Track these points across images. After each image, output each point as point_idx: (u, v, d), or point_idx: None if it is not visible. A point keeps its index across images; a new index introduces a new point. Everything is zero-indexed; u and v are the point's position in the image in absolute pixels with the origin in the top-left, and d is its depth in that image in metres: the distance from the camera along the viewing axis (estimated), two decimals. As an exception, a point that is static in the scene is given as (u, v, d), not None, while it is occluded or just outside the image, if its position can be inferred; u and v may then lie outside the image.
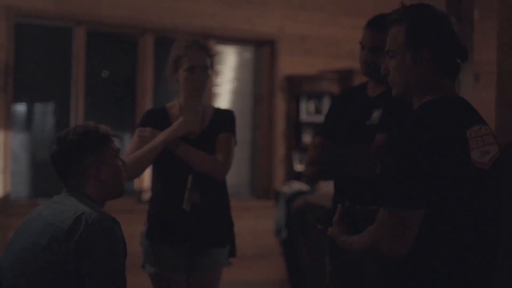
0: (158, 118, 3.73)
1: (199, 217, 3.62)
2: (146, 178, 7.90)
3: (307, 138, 8.98)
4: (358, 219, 2.45)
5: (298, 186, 7.23)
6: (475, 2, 3.56)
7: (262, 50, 9.20)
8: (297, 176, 8.66)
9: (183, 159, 3.62)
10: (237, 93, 9.20)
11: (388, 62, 2.42)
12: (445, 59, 2.35)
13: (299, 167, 8.93)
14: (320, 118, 8.60)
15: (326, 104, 8.96)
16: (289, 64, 9.13)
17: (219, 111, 3.81)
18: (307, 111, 9.10)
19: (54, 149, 2.78)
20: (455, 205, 2.24)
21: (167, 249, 3.65)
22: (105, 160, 2.76)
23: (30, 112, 8.24)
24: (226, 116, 3.78)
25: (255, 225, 8.76)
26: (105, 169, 2.76)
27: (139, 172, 3.66)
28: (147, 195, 7.85)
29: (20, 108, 8.11)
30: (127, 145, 8.10)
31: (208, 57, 3.69)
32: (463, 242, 2.27)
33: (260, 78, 9.23)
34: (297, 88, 9.09)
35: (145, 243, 3.70)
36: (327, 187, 6.36)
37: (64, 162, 2.76)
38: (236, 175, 8.77)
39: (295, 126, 9.14)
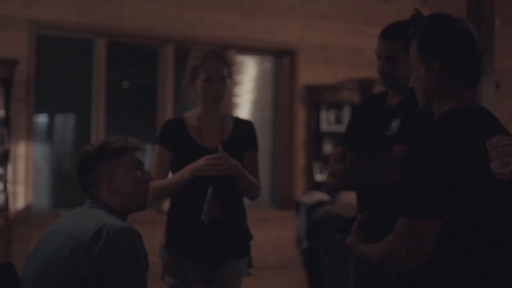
0: (175, 130, 3.73)
1: (218, 228, 3.61)
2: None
3: (327, 148, 8.95)
4: (377, 229, 2.45)
5: (318, 196, 7.22)
6: (496, 11, 3.54)
7: (282, 60, 9.20)
8: (318, 186, 8.64)
9: (238, 182, 3.64)
10: (257, 103, 9.20)
11: (412, 75, 2.45)
12: (457, 68, 2.34)
13: (319, 177, 8.90)
14: (340, 128, 8.58)
15: (346, 113, 8.93)
16: (309, 74, 9.12)
17: (239, 121, 3.81)
18: (327, 120, 9.08)
19: (75, 162, 2.84)
20: (474, 215, 2.23)
21: (186, 260, 3.64)
22: (117, 171, 2.77)
23: (51, 123, 8.28)
24: (247, 130, 3.78)
25: (276, 236, 8.74)
26: (117, 180, 2.77)
27: (160, 200, 3.80)
28: (167, 206, 7.84)
29: (42, 119, 8.15)
30: (148, 157, 8.14)
31: (225, 67, 3.68)
32: (481, 253, 2.26)
33: (280, 88, 9.23)
34: (317, 97, 9.08)
35: (163, 254, 3.69)
36: (348, 197, 6.34)
37: (80, 174, 2.81)
38: (257, 185, 8.75)
39: (315, 136, 9.13)
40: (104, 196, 2.77)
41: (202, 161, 3.56)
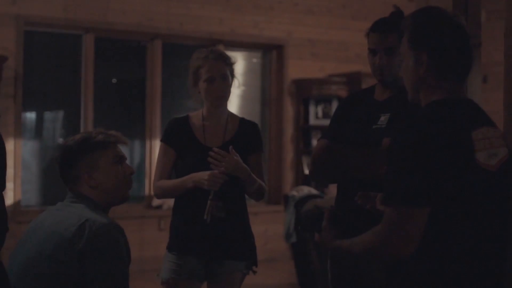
0: (180, 129, 3.73)
1: (220, 228, 3.61)
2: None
3: (315, 142, 8.94)
4: (348, 223, 2.46)
5: (307, 190, 7.23)
6: (482, 4, 3.56)
7: (270, 54, 9.21)
8: (306, 180, 8.65)
9: (248, 185, 3.65)
10: (246, 98, 9.21)
11: (402, 66, 2.46)
12: (444, 61, 2.36)
13: (308, 171, 8.92)
14: (328, 122, 8.59)
15: (334, 107, 8.93)
16: (297, 68, 9.13)
17: (243, 122, 3.82)
18: (315, 115, 9.10)
19: (55, 155, 2.81)
20: (459, 205, 2.24)
21: (188, 261, 3.63)
22: (98, 166, 2.75)
23: (39, 119, 8.27)
24: (252, 131, 3.78)
25: (265, 230, 8.76)
26: (98, 174, 2.75)
27: (164, 198, 3.83)
28: (156, 202, 7.83)
29: (30, 116, 8.13)
30: (136, 152, 8.10)
31: (226, 66, 3.71)
32: (469, 243, 2.27)
33: (268, 83, 9.24)
34: (305, 92, 9.09)
35: (167, 256, 3.69)
36: (336, 191, 6.35)
37: (62, 168, 2.79)
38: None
39: (303, 130, 9.14)
40: (85, 190, 2.75)
41: (205, 175, 3.55)
